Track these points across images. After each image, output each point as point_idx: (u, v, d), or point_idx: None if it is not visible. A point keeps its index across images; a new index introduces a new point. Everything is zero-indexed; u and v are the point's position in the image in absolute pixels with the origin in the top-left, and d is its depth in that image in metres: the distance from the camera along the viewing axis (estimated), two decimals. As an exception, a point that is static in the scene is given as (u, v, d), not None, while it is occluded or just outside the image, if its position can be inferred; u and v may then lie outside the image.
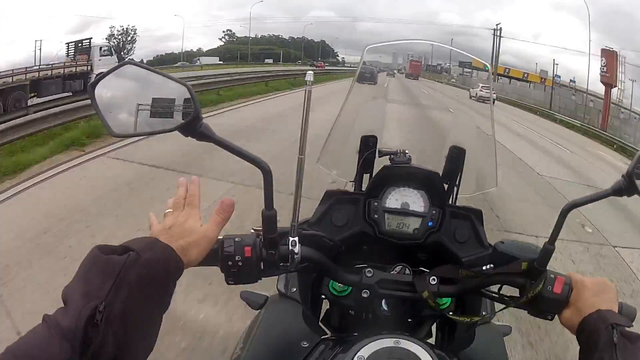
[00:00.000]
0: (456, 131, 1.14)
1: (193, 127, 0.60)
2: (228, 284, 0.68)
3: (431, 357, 0.61)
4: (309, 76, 0.64)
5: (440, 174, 1.02)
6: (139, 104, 0.62)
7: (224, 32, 45.97)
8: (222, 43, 45.34)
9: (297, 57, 48.42)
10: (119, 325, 0.46)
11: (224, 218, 0.65)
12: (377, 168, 1.02)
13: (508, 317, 1.99)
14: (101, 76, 0.62)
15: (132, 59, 0.72)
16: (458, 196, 1.05)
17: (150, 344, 0.52)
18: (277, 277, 0.92)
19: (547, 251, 0.70)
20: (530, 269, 0.71)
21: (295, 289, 0.89)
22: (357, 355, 0.60)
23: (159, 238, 0.56)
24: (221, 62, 39.23)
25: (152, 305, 0.51)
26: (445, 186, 1.03)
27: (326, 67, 41.45)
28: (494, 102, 1.11)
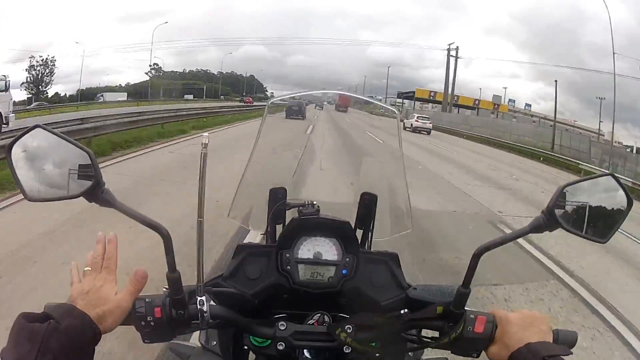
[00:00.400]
0: (367, 177, 1.19)
1: (95, 193, 0.63)
2: (144, 342, 0.70)
3: None
4: (205, 139, 0.66)
5: (354, 221, 1.06)
6: (49, 169, 0.64)
7: (150, 66, 45.51)
8: (148, 77, 44.55)
9: (224, 92, 48.30)
10: None
11: (137, 289, 0.68)
12: (288, 219, 1.04)
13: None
14: (16, 138, 0.64)
15: (41, 124, 0.60)
16: (373, 241, 1.08)
17: None
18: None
19: (462, 294, 0.71)
20: (446, 312, 0.72)
21: (215, 342, 0.90)
22: None
23: (76, 304, 0.61)
24: (128, 99, 37.61)
25: None
26: (360, 232, 1.06)
27: (255, 103, 40.58)
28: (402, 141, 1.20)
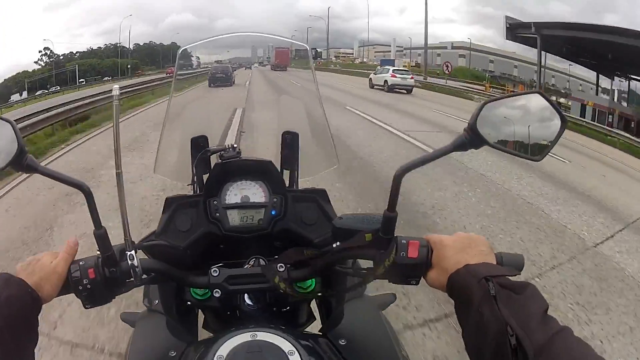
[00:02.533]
0: (287, 116, 1.15)
1: (20, 162, 0.63)
2: (85, 307, 0.69)
3: (290, 342, 0.62)
4: (116, 90, 0.65)
5: (278, 162, 1.03)
6: None
7: (40, 52, 35.32)
8: (39, 66, 34.71)
9: (137, 66, 40.83)
10: None
11: (71, 254, 0.69)
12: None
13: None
14: None
15: None
16: (299, 180, 1.06)
17: None
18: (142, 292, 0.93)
19: (389, 218, 0.67)
20: (376, 239, 0.69)
21: (157, 301, 0.88)
22: (216, 355, 0.60)
23: (17, 275, 0.61)
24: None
25: (20, 340, 0.55)
26: (287, 173, 1.04)
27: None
28: (315, 77, 1.10)
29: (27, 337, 0.57)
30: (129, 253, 0.68)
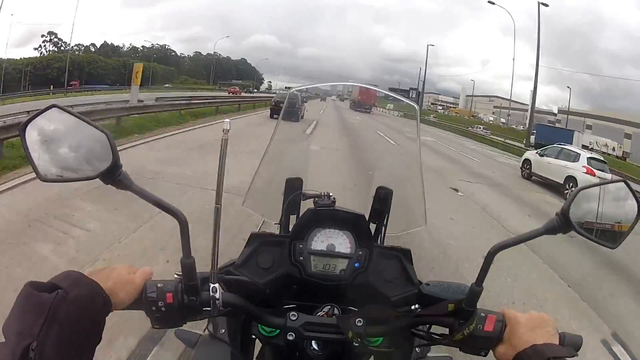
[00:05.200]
0: (383, 172, 1.21)
1: (112, 175, 0.62)
2: (154, 327, 0.70)
3: None
4: (226, 124, 0.66)
5: (368, 215, 1.06)
6: (64, 149, 0.63)
7: (43, 36, 30.92)
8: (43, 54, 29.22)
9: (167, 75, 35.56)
10: None
11: (147, 274, 0.70)
12: (303, 209, 1.03)
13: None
14: (30, 118, 0.63)
15: (57, 104, 0.62)
16: (386, 236, 1.08)
17: None
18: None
19: (475, 292, 0.70)
20: (457, 309, 0.72)
21: (224, 331, 0.91)
22: None
23: (85, 274, 0.60)
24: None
25: (83, 340, 0.54)
26: (374, 226, 1.06)
27: (243, 94, 32.66)
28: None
29: (90, 337, 0.56)
30: (212, 285, 0.69)
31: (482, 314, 0.70)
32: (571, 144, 15.45)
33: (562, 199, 10.37)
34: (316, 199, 1.00)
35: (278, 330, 0.81)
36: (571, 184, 10.55)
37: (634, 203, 0.72)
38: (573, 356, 0.61)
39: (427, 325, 0.79)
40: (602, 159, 12.47)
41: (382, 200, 1.08)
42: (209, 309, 0.71)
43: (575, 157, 11.32)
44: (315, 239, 0.90)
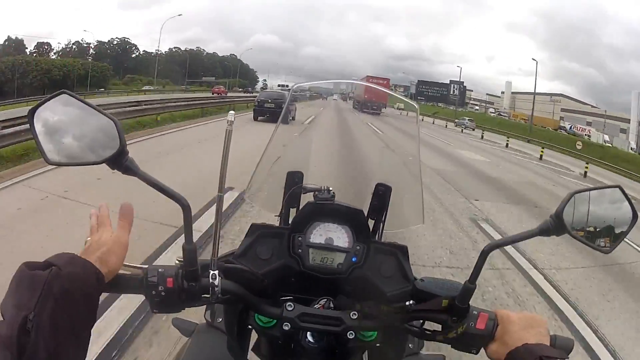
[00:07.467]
0: (383, 168, 1.21)
1: (119, 161, 0.64)
2: (153, 311, 0.72)
3: None
4: (231, 116, 0.68)
5: (367, 211, 1.07)
6: (72, 134, 0.65)
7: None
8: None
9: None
10: (49, 333, 0.51)
11: (128, 221, 0.70)
12: (303, 203, 1.04)
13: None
14: (40, 103, 0.65)
15: (67, 90, 0.65)
16: (384, 232, 1.09)
17: (81, 355, 0.56)
18: (205, 306, 0.96)
19: (468, 289, 0.72)
20: (451, 306, 0.74)
21: (221, 319, 0.93)
22: None
23: (78, 254, 0.62)
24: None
25: (78, 316, 0.56)
26: (372, 222, 1.07)
27: (229, 94, 28.46)
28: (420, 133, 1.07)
29: (85, 314, 0.58)
30: (212, 272, 0.71)
31: (475, 312, 0.72)
32: None
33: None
34: (316, 192, 1.01)
35: (274, 322, 0.83)
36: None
37: (629, 208, 0.74)
38: (564, 358, 0.62)
39: (421, 321, 0.81)
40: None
41: (381, 196, 1.10)
42: (207, 295, 0.72)
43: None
44: (314, 232, 0.92)
